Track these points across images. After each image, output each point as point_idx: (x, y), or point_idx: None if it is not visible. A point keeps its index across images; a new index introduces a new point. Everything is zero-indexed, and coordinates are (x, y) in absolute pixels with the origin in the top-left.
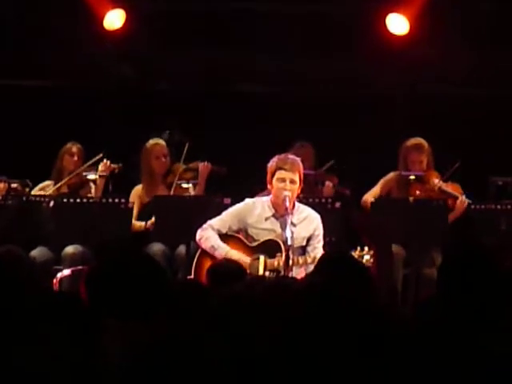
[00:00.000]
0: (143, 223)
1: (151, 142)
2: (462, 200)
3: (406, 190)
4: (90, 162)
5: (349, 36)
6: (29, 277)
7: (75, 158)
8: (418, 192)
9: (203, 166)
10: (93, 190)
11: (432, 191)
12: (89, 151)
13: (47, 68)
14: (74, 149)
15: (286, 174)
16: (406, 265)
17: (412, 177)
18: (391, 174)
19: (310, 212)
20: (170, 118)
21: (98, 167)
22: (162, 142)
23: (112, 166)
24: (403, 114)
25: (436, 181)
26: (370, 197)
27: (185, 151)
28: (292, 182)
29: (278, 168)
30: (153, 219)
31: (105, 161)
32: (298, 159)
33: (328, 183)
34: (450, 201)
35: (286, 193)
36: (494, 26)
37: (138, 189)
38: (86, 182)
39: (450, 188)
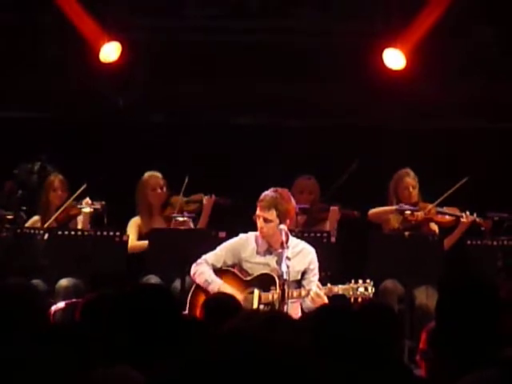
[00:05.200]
0: (145, 242)
1: (147, 174)
2: (467, 215)
3: (406, 221)
4: (75, 195)
5: (346, 69)
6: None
7: (59, 192)
8: (417, 217)
9: (208, 199)
10: (80, 223)
11: (431, 215)
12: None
13: (42, 99)
14: (57, 183)
15: (260, 213)
16: (400, 299)
17: (408, 212)
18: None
19: (304, 246)
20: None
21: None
22: (157, 173)
23: (94, 204)
24: (399, 147)
25: (431, 206)
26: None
27: (185, 184)
28: (266, 220)
29: (257, 205)
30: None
31: (87, 199)
32: (283, 195)
33: (333, 208)
34: (451, 221)
35: (282, 226)
36: (490, 57)
37: (135, 220)
38: (74, 216)
39: (448, 210)
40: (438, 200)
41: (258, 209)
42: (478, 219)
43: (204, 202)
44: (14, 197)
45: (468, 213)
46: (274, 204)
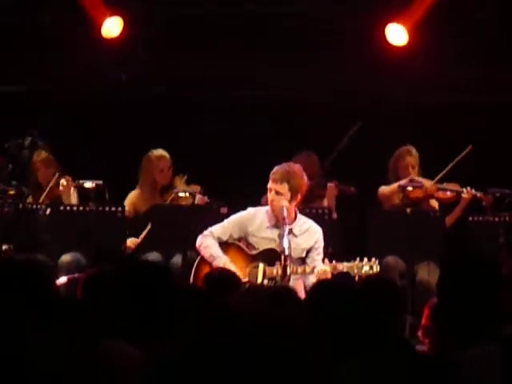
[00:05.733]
0: (136, 239)
1: (156, 153)
2: (468, 190)
3: (407, 198)
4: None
5: (347, 46)
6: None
7: (43, 170)
8: (418, 193)
9: (201, 199)
10: (72, 198)
11: (432, 191)
12: (81, 158)
13: (44, 75)
14: (38, 163)
15: (272, 185)
16: (401, 275)
17: (410, 188)
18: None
19: (311, 224)
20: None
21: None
22: (166, 154)
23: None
24: (401, 123)
25: (431, 183)
26: (386, 190)
27: (185, 178)
28: (277, 193)
29: (270, 177)
30: (144, 233)
31: (62, 180)
32: (297, 170)
33: (330, 184)
34: (452, 197)
35: (284, 203)
36: (492, 36)
37: (133, 196)
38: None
39: (449, 186)
40: (440, 175)
41: (270, 181)
42: (478, 194)
43: (196, 199)
44: (4, 171)
45: (469, 188)
46: (286, 178)
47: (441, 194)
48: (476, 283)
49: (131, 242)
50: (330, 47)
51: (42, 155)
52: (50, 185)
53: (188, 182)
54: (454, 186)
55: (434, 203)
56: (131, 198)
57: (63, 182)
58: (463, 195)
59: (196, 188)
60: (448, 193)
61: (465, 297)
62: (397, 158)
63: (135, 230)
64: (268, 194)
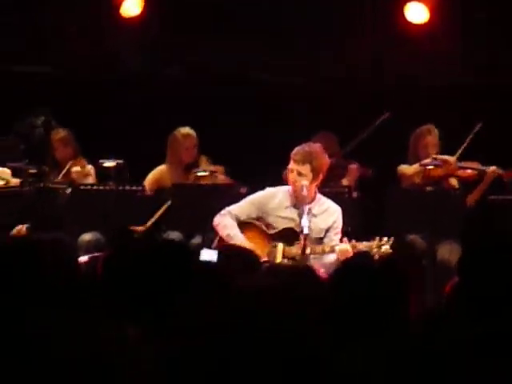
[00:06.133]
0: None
1: (182, 131)
2: (494, 168)
3: (427, 177)
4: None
5: (367, 24)
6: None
7: (62, 151)
8: (439, 172)
9: (221, 180)
10: (91, 178)
11: (453, 170)
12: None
13: (62, 55)
14: (57, 141)
15: (294, 166)
16: (422, 255)
17: (431, 166)
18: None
19: (330, 204)
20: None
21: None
22: (192, 132)
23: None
24: (421, 103)
25: (454, 159)
26: (407, 169)
27: (210, 167)
28: (300, 174)
29: (291, 158)
30: (159, 212)
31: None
32: (317, 151)
33: (352, 166)
34: (473, 175)
35: (304, 182)
36: None
37: (158, 171)
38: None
39: (470, 165)
40: (458, 151)
41: (292, 162)
42: (500, 171)
43: (218, 180)
44: (15, 151)
45: (493, 167)
46: (308, 158)
47: (462, 173)
48: (497, 263)
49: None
50: (350, 27)
51: (59, 134)
52: (67, 167)
53: (213, 161)
54: (475, 165)
55: (454, 181)
56: (156, 174)
57: (77, 169)
58: (488, 171)
59: (220, 168)
60: (469, 171)
61: (486, 276)
62: (417, 138)
63: (154, 206)
64: (289, 175)
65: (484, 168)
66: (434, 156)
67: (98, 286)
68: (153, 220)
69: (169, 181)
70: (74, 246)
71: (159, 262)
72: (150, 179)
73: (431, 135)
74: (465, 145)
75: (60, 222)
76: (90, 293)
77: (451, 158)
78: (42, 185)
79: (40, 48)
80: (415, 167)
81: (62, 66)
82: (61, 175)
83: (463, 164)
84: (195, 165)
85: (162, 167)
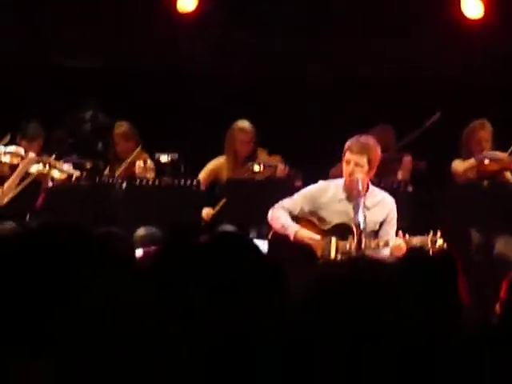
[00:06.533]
0: (211, 210)
1: (238, 125)
2: None
3: (483, 172)
4: (137, 151)
5: (423, 18)
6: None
7: (123, 145)
8: (493, 166)
9: (281, 170)
10: (152, 174)
11: (508, 163)
12: (157, 133)
13: (121, 50)
14: (119, 137)
15: (352, 157)
16: (478, 249)
17: (486, 161)
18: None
19: (384, 196)
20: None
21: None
22: (248, 126)
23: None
24: (475, 99)
25: (506, 155)
26: (461, 166)
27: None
28: (357, 164)
29: (347, 149)
30: (219, 205)
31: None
32: (372, 142)
33: (406, 158)
34: None
35: (358, 175)
36: None
37: (217, 162)
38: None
39: None
40: (511, 148)
41: (348, 153)
42: None
43: (278, 170)
44: (64, 145)
45: None
46: (366, 150)
47: None
48: None
49: (206, 213)
50: (405, 20)
51: (122, 128)
52: (129, 160)
53: (270, 153)
54: None
55: (509, 176)
56: (214, 164)
57: (140, 163)
58: None
59: (276, 159)
60: None
61: None
62: (470, 132)
63: (209, 198)
64: (345, 167)
65: None
66: (485, 152)
67: (152, 279)
68: (213, 212)
69: (225, 173)
70: (129, 240)
71: (219, 254)
72: (207, 169)
73: (484, 130)
74: None
75: (115, 217)
76: (146, 286)
77: (502, 155)
78: (97, 180)
79: (95, 42)
80: (469, 163)
81: (116, 60)
82: (121, 169)
83: None
84: (253, 158)
85: (221, 159)
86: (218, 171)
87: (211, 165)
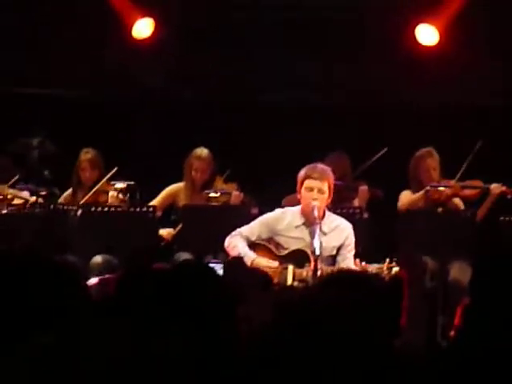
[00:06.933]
0: (172, 231)
1: (196, 153)
2: (497, 185)
3: (431, 200)
4: (107, 177)
5: (378, 46)
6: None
7: (88, 173)
8: (442, 194)
9: (236, 196)
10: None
11: (457, 190)
12: (111, 160)
13: (74, 77)
14: (85, 163)
15: (315, 183)
16: (433, 276)
17: (433, 190)
18: (406, 191)
19: (341, 221)
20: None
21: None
22: (205, 154)
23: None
24: (429, 124)
25: (453, 182)
26: (406, 198)
27: (226, 173)
28: (320, 191)
29: (307, 177)
30: (178, 227)
31: (112, 193)
32: (329, 169)
33: (362, 187)
34: (477, 194)
35: (315, 202)
36: None
37: (176, 187)
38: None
39: (472, 183)
40: (458, 174)
41: (310, 180)
42: (504, 188)
43: (232, 196)
44: (9, 171)
45: (494, 184)
46: (326, 176)
47: (465, 192)
48: (509, 283)
49: (168, 233)
50: (360, 47)
51: (88, 155)
52: (96, 189)
53: (228, 179)
54: (477, 183)
55: (458, 202)
56: (172, 189)
57: (114, 194)
58: (491, 189)
59: (232, 186)
60: (473, 190)
61: (498, 297)
62: (418, 161)
63: (165, 224)
64: (307, 193)
65: (487, 186)
66: (431, 185)
67: (109, 307)
68: (174, 233)
69: (183, 199)
70: (82, 267)
71: (181, 283)
72: (165, 193)
73: (432, 158)
74: (465, 165)
75: (71, 245)
76: (100, 314)
77: (450, 183)
78: (51, 207)
79: (46, 70)
80: (415, 196)
81: (67, 87)
82: (87, 197)
83: (466, 183)
84: (210, 185)
85: (180, 184)
86: (176, 196)
87: (169, 189)
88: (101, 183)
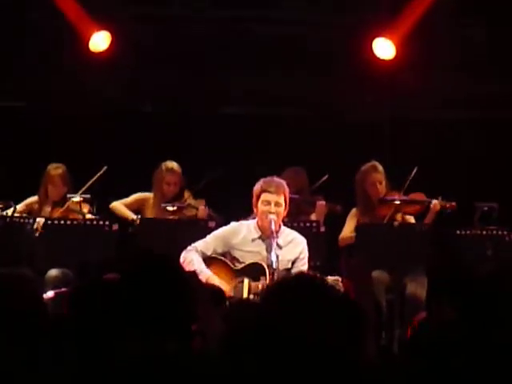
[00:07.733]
0: (133, 216)
1: (166, 166)
2: (436, 203)
3: (373, 215)
4: (97, 176)
5: (335, 60)
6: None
7: (60, 188)
8: (385, 212)
9: (202, 210)
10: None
11: (399, 207)
12: (73, 172)
13: (30, 90)
14: (57, 179)
15: (271, 197)
16: (389, 289)
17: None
18: (354, 210)
19: (295, 235)
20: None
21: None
22: (176, 168)
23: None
24: (386, 139)
25: (397, 194)
26: (346, 233)
27: (201, 183)
28: (277, 204)
29: (263, 191)
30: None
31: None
32: (284, 182)
33: (320, 202)
34: (418, 209)
35: (272, 216)
36: (480, 51)
37: (144, 197)
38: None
39: (415, 196)
40: (404, 186)
41: (267, 194)
42: (442, 202)
43: (199, 211)
44: None
45: (436, 200)
46: (282, 189)
47: (407, 208)
48: (465, 296)
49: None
50: (317, 61)
51: (59, 170)
52: (66, 206)
53: (197, 195)
54: (420, 196)
55: (407, 217)
56: (141, 196)
57: (86, 212)
58: (432, 203)
59: (201, 202)
60: (415, 205)
61: (454, 310)
62: (363, 175)
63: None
64: (264, 207)
65: (429, 200)
66: (380, 198)
67: (64, 320)
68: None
69: (151, 211)
70: (37, 281)
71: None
72: (134, 197)
73: (377, 172)
74: (408, 182)
75: (28, 258)
76: (56, 328)
77: (397, 194)
78: (7, 219)
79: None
80: (351, 235)
81: (27, 99)
82: (57, 213)
83: (410, 196)
84: (179, 198)
85: (148, 194)
86: (142, 205)
87: (138, 196)
88: (91, 181)
